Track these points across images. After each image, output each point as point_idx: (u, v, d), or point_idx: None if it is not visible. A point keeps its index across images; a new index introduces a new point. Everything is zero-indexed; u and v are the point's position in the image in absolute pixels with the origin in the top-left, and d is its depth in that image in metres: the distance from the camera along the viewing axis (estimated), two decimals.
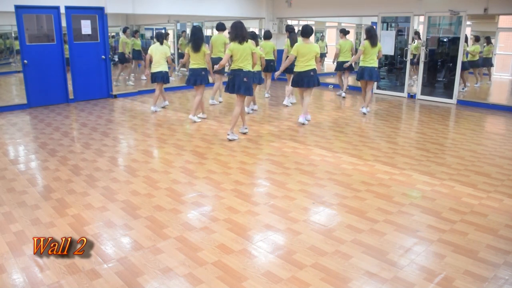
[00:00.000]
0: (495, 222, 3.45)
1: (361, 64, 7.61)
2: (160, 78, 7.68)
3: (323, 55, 14.42)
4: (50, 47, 8.40)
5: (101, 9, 8.93)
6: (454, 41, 9.27)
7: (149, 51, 7.68)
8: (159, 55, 7.58)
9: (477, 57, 11.22)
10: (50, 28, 8.36)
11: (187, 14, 11.59)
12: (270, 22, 12.35)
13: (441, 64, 10.00)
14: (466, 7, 8.65)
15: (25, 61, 8.09)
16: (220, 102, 8.90)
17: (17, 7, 7.79)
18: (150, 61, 7.68)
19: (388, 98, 9.83)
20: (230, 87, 5.79)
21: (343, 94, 9.84)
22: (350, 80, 10.43)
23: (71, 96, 8.94)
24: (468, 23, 12.30)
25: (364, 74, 7.53)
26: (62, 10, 8.39)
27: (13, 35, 15.30)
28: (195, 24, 9.23)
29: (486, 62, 11.88)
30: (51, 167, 4.83)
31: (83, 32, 8.83)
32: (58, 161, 5.03)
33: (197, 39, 6.71)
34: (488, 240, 3.15)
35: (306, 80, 6.68)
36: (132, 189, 4.13)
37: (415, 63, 10.23)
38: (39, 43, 8.30)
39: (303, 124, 6.83)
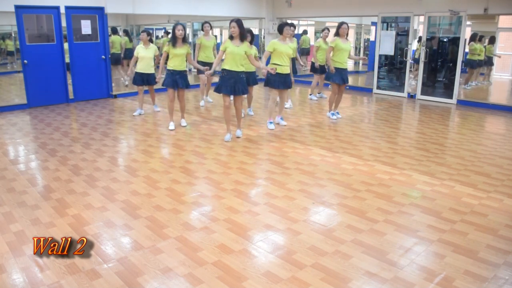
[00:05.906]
0: (495, 222, 3.45)
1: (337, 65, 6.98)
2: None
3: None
4: (50, 47, 8.40)
5: (101, 9, 8.93)
6: (454, 41, 9.27)
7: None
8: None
9: (477, 57, 11.25)
10: (50, 28, 8.36)
11: (187, 14, 11.59)
12: (270, 22, 12.35)
13: (441, 64, 10.00)
14: (466, 7, 8.65)
15: (25, 61, 8.09)
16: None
17: (17, 7, 7.79)
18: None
19: (388, 98, 9.83)
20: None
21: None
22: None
23: (71, 96, 8.95)
24: (468, 23, 12.30)
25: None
26: (62, 10, 8.39)
27: (13, 35, 15.26)
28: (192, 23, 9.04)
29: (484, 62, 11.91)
30: (51, 167, 4.83)
31: (83, 32, 8.84)
32: (58, 161, 5.03)
33: None
34: (488, 240, 3.15)
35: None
36: (132, 189, 4.13)
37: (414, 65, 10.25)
38: (39, 43, 8.31)
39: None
